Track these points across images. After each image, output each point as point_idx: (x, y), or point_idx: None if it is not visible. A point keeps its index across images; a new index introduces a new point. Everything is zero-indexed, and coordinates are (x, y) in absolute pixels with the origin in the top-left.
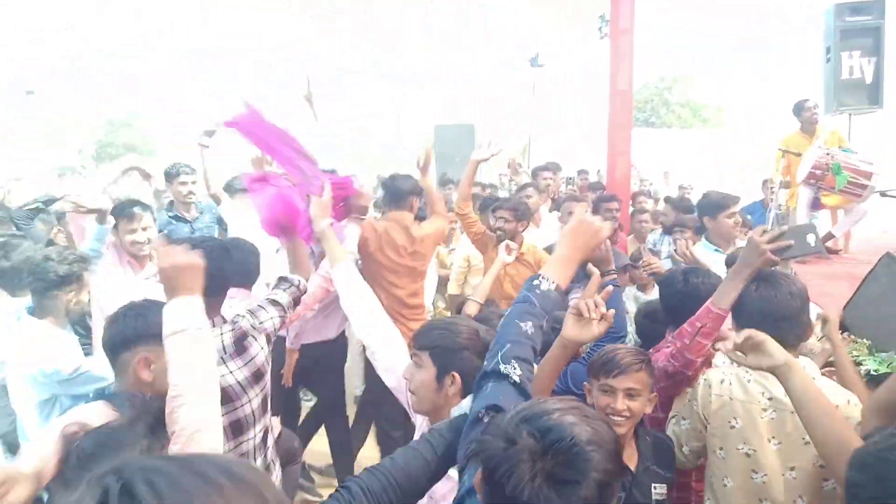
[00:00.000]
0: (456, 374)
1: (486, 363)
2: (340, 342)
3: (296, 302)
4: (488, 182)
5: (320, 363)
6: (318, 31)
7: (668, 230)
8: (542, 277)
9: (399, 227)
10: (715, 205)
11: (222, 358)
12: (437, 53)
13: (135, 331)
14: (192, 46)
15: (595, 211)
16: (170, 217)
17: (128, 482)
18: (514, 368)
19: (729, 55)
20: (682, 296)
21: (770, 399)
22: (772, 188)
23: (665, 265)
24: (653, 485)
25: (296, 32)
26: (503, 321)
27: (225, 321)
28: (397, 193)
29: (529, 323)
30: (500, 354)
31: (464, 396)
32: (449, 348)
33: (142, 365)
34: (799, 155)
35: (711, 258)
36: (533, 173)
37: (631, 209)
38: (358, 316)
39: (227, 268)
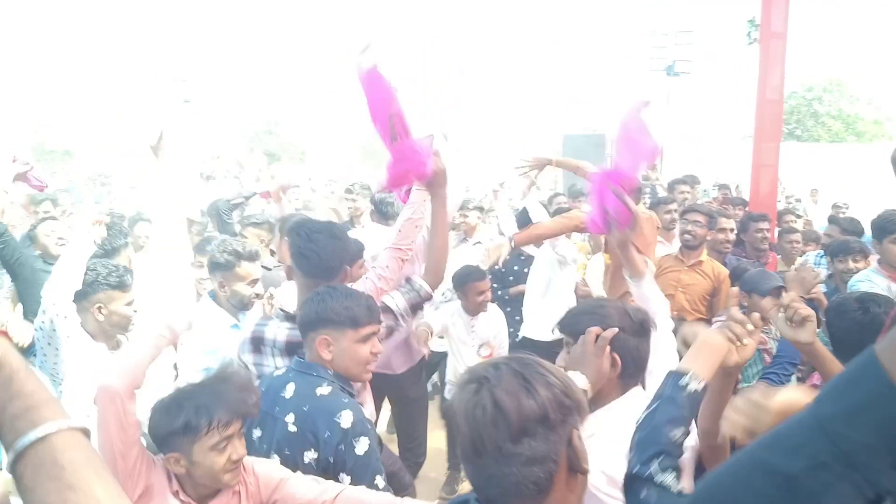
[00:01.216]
0: (615, 356)
1: (635, 465)
2: (410, 377)
3: (414, 308)
4: None
5: (388, 397)
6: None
7: (831, 253)
8: (692, 376)
9: None
10: (880, 228)
11: None
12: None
13: (317, 315)
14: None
15: (743, 230)
16: None
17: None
18: (675, 482)
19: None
20: (859, 328)
21: None
22: None
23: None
24: None
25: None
26: (651, 421)
27: None
28: None
29: (678, 431)
30: (656, 463)
31: (623, 375)
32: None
33: (322, 345)
34: None
35: (883, 286)
36: (669, 186)
37: (778, 229)
38: None
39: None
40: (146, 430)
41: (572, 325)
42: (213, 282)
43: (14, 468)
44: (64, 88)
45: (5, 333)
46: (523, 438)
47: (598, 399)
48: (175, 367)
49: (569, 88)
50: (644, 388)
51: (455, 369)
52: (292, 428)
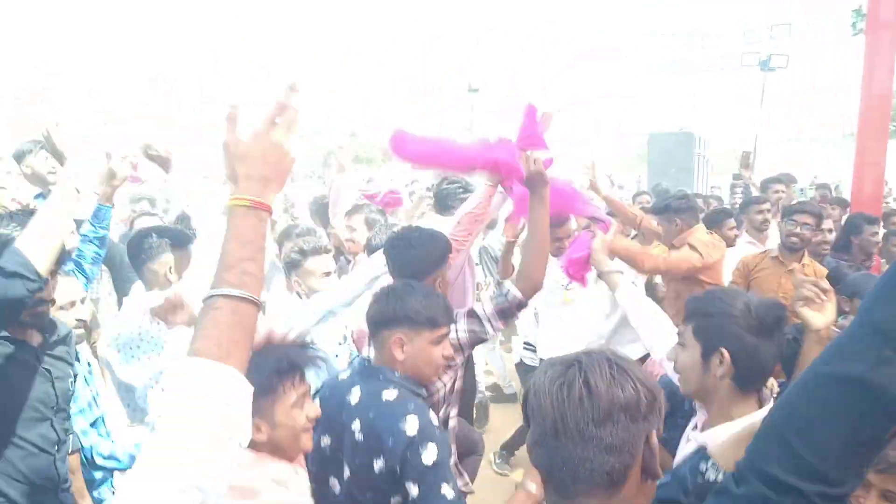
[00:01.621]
0: (724, 352)
1: None
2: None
3: (502, 314)
4: (708, 193)
5: None
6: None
7: None
8: (713, 465)
9: None
10: None
11: None
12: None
13: (394, 313)
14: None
15: (855, 232)
16: None
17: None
18: None
19: None
20: None
21: None
22: None
23: None
24: None
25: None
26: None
27: None
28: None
29: None
30: None
31: (735, 378)
32: (714, 322)
33: (396, 344)
34: None
35: None
36: (763, 185)
37: (884, 231)
38: (648, 333)
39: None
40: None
41: (688, 310)
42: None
43: (212, 299)
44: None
45: (270, 209)
46: (607, 423)
47: (711, 408)
48: None
49: (655, 84)
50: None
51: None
52: (359, 436)
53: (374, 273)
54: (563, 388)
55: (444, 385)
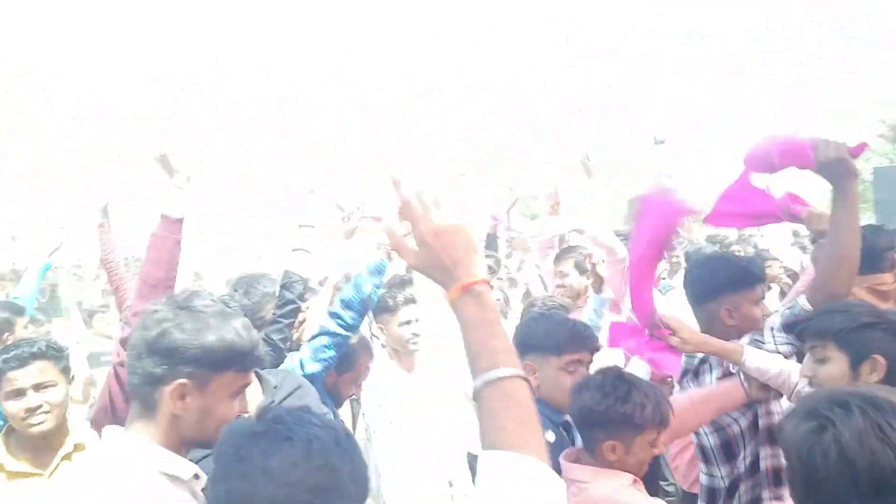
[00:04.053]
0: (878, 357)
1: None
2: None
3: (788, 328)
4: None
5: None
6: None
7: None
8: None
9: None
10: None
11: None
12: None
13: (525, 338)
14: None
15: None
16: None
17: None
18: None
19: None
20: None
21: None
22: None
23: None
24: None
25: None
26: None
27: None
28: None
29: None
30: None
31: (887, 380)
32: (858, 328)
33: (527, 369)
34: None
35: None
36: None
37: None
38: None
39: None
40: None
41: (823, 325)
42: None
43: (478, 394)
44: None
45: (480, 280)
46: (875, 500)
47: None
48: None
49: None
50: None
51: None
52: None
53: None
54: (817, 452)
55: (735, 420)
